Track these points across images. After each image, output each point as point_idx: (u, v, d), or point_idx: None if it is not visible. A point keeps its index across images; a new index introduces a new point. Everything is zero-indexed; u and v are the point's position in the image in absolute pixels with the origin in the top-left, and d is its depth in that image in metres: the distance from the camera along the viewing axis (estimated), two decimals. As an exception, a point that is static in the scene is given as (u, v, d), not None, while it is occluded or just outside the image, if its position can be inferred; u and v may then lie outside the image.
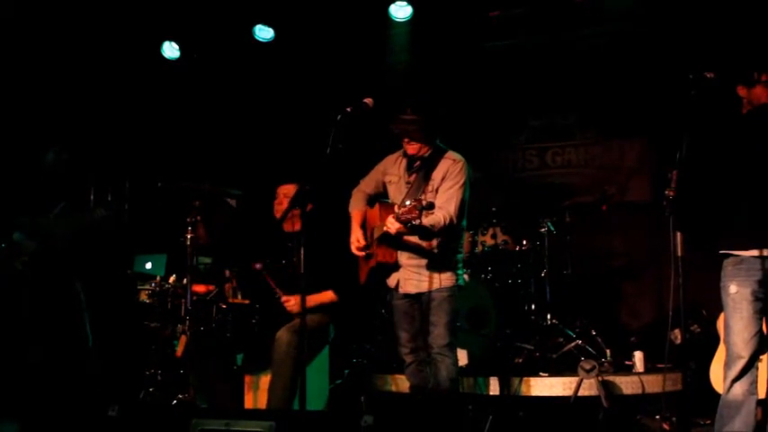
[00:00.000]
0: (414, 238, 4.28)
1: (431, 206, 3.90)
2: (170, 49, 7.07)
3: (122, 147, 6.52)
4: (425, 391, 4.37)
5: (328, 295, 4.90)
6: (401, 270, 4.39)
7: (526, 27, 6.87)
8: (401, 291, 4.40)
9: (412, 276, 4.35)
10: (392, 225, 3.99)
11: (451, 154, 4.37)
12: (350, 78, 6.79)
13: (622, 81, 6.67)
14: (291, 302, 4.79)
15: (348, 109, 3.92)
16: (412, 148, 4.32)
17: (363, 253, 4.42)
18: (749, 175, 3.68)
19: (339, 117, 3.89)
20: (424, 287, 4.33)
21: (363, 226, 4.50)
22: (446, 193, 4.26)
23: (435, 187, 4.28)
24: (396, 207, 3.99)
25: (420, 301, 4.38)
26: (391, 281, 4.45)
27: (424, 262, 4.33)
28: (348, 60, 7.00)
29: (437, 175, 4.30)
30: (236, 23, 6.88)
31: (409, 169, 4.43)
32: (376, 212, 4.46)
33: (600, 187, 6.39)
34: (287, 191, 5.07)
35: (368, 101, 4.00)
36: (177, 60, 7.10)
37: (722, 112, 3.83)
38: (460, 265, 4.42)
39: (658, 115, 6.24)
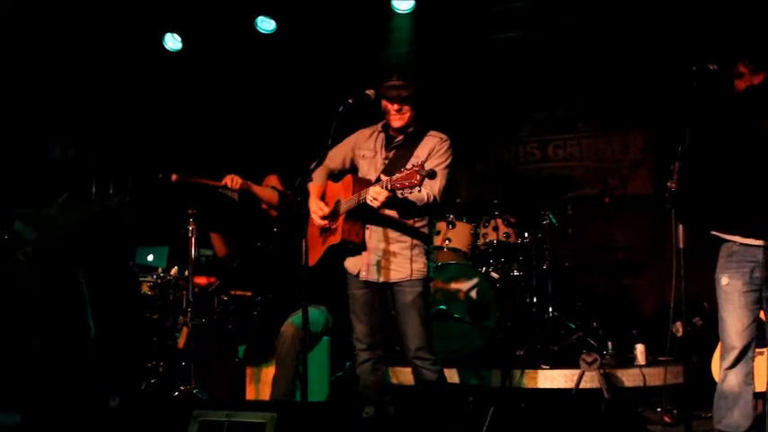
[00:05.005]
0: (393, 216, 3.98)
1: (433, 174, 3.62)
2: (172, 41, 7.05)
3: (124, 139, 6.52)
4: (378, 390, 4.14)
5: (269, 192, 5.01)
6: (366, 254, 4.04)
7: (528, 19, 6.85)
8: (362, 278, 4.06)
9: (379, 262, 4.00)
10: (380, 195, 3.71)
11: (436, 132, 4.13)
12: (352, 70, 6.78)
13: (625, 73, 6.66)
14: (228, 182, 4.84)
15: (350, 100, 3.89)
16: (401, 119, 4.06)
17: (326, 222, 4.11)
18: (746, 161, 3.65)
19: (341, 108, 3.87)
20: (392, 276, 4.01)
21: (323, 200, 4.22)
22: None
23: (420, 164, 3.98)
24: (356, 182, 3.85)
25: (383, 292, 4.09)
26: (351, 266, 4.13)
27: (397, 247, 4.02)
28: (350, 52, 6.99)
29: (421, 151, 4.04)
30: (238, 15, 6.87)
31: (388, 145, 4.16)
32: (341, 186, 4.16)
33: (602, 180, 6.39)
34: (268, 181, 5.18)
35: (369, 92, 3.97)
36: (179, 52, 7.09)
37: (724, 104, 3.82)
38: (432, 255, 4.15)
39: (661, 107, 6.22)
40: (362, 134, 4.28)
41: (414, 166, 3.59)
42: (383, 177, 3.79)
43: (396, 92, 4.02)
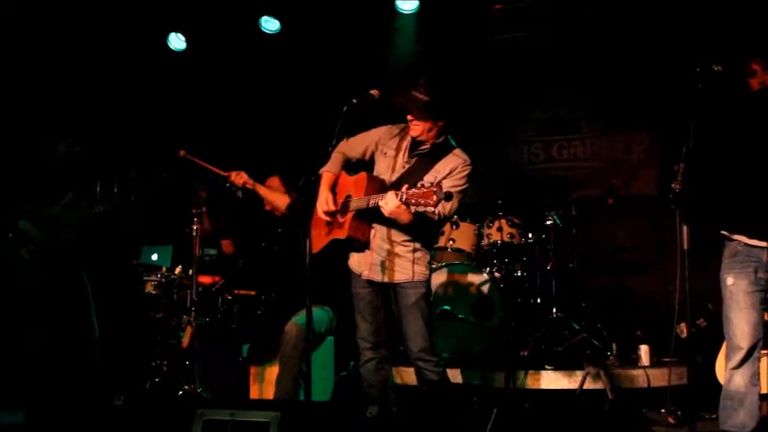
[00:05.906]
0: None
1: (450, 197, 3.60)
2: (176, 41, 7.06)
3: (128, 138, 6.53)
4: (382, 389, 4.12)
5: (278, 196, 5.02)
6: (370, 253, 4.06)
7: (532, 20, 6.85)
8: (365, 277, 4.08)
9: (383, 263, 4.01)
10: (391, 202, 3.68)
11: (462, 153, 4.06)
12: (356, 70, 6.78)
13: (629, 74, 6.65)
14: (233, 176, 4.86)
15: (354, 100, 3.88)
16: (415, 129, 4.00)
17: (328, 217, 4.10)
18: (752, 162, 3.65)
19: (345, 108, 3.86)
20: (394, 277, 4.02)
21: (333, 190, 4.17)
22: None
23: (438, 180, 3.91)
24: (370, 180, 3.85)
25: (386, 292, 4.09)
26: (355, 265, 4.14)
27: (400, 249, 4.02)
28: (354, 52, 6.99)
29: (443, 167, 3.98)
30: (243, 15, 6.87)
31: (412, 150, 4.08)
32: (353, 181, 4.14)
33: (606, 180, 6.39)
34: (270, 183, 5.17)
35: (374, 92, 3.95)
36: (183, 52, 7.09)
37: (730, 104, 3.81)
38: (432, 261, 4.17)
39: (665, 108, 6.21)
40: (389, 131, 4.20)
41: (432, 185, 3.55)
42: (403, 190, 3.70)
43: (410, 104, 3.96)
